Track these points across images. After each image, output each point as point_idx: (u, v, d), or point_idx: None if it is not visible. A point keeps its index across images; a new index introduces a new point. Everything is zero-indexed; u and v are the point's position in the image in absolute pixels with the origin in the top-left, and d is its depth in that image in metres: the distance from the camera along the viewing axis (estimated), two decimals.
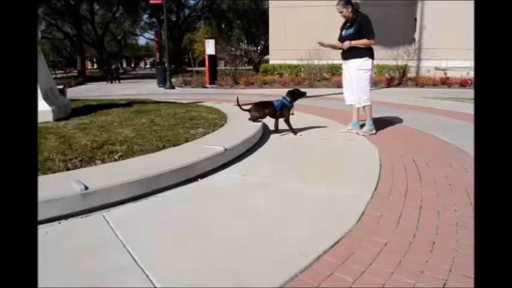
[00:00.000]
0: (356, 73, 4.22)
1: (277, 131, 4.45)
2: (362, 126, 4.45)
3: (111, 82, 19.12)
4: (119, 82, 19.41)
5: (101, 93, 12.02)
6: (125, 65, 48.02)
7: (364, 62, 4.16)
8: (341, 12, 4.21)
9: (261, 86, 12.77)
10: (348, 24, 4.29)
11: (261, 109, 4.41)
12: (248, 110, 4.47)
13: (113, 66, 20.28)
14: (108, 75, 19.78)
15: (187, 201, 2.40)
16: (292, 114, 4.43)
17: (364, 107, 4.36)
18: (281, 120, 4.40)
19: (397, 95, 9.22)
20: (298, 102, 4.59)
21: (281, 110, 4.33)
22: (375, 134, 4.37)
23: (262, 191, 2.56)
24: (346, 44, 4.20)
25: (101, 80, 21.09)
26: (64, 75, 25.39)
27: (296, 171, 3.03)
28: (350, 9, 4.15)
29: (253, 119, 4.41)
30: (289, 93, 4.39)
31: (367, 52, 4.17)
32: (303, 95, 4.47)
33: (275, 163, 3.28)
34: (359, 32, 4.11)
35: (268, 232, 1.93)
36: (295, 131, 4.37)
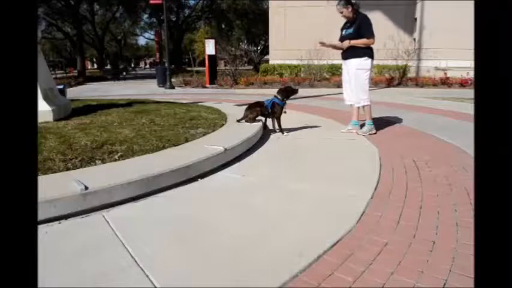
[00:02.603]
0: (355, 72, 4.22)
1: (275, 130, 4.46)
2: (362, 126, 4.45)
3: (118, 80, 21.56)
4: (124, 80, 21.96)
5: (101, 93, 12.02)
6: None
7: (364, 62, 4.17)
8: (341, 12, 4.22)
9: (261, 86, 12.76)
10: (348, 24, 4.29)
11: (253, 109, 4.43)
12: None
13: (121, 66, 24.92)
14: (116, 73, 23.29)
15: (187, 201, 2.40)
16: (285, 112, 4.45)
17: (363, 106, 4.36)
18: (287, 119, 4.38)
19: (397, 95, 9.23)
20: (298, 102, 4.60)
21: (272, 109, 4.35)
22: (375, 133, 4.37)
23: (262, 190, 2.56)
24: (346, 43, 4.20)
25: (101, 80, 21.41)
26: (64, 75, 25.40)
27: (296, 171, 3.03)
28: (350, 9, 4.16)
29: (248, 120, 4.42)
30: (280, 91, 4.42)
31: (367, 52, 4.17)
32: (294, 92, 4.48)
33: (275, 163, 3.29)
34: (358, 31, 4.12)
35: (268, 232, 1.93)
36: (282, 130, 4.40)
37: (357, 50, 4.16)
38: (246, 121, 4.41)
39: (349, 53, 4.23)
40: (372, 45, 4.18)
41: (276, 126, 4.45)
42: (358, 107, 4.40)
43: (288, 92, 4.41)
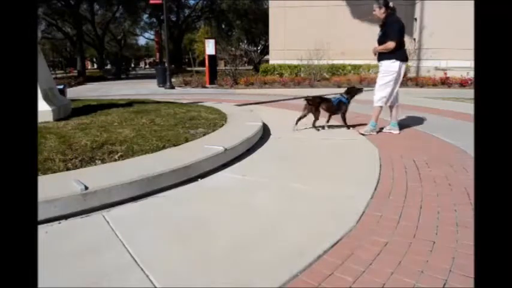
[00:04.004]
0: (382, 74, 4.30)
1: (322, 125, 4.67)
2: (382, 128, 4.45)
3: (120, 78, 23.33)
4: (127, 77, 24.64)
5: (101, 93, 12.02)
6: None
7: (391, 64, 4.20)
8: (374, 11, 4.27)
9: (261, 86, 12.75)
10: (382, 26, 4.32)
11: (321, 104, 4.57)
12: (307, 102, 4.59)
13: (123, 68, 28.24)
14: (118, 72, 25.83)
15: (187, 201, 2.40)
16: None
17: (384, 107, 4.38)
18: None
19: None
20: (298, 101, 4.61)
21: (338, 106, 4.57)
22: (376, 134, 4.37)
23: (262, 191, 2.56)
24: (373, 50, 4.33)
25: (101, 80, 21.42)
26: (64, 75, 25.42)
27: (296, 171, 3.03)
28: (383, 11, 4.20)
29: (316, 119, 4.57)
30: (346, 91, 4.64)
31: (394, 54, 4.16)
32: (359, 91, 4.68)
33: (275, 163, 3.28)
34: (386, 35, 4.16)
35: (268, 232, 1.93)
36: (348, 126, 4.66)
37: (385, 53, 4.21)
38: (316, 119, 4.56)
39: (380, 56, 4.31)
40: (402, 46, 4.18)
41: (319, 122, 4.63)
42: (392, 106, 4.43)
43: (352, 92, 4.61)
